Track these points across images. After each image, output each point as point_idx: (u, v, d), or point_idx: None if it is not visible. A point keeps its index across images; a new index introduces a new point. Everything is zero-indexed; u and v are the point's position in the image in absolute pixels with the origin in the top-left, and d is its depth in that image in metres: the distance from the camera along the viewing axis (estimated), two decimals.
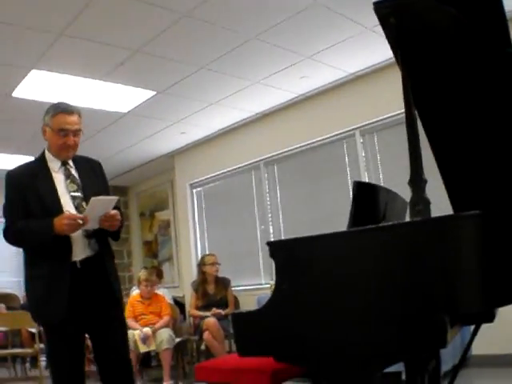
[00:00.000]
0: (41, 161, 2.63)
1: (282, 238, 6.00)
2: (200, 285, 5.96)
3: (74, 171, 2.64)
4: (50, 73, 4.66)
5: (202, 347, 5.79)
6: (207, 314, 5.61)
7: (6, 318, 6.05)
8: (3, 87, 4.87)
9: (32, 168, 2.62)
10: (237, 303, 6.19)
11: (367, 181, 5.22)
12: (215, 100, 5.76)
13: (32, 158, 2.74)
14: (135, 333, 5.32)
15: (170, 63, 4.72)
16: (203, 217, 7.44)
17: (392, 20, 1.90)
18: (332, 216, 5.32)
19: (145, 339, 5.34)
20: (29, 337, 6.08)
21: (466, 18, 1.80)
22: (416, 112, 1.96)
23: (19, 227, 2.48)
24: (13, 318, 5.91)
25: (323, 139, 5.83)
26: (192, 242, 7.45)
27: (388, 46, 2.05)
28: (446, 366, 3.45)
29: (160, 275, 7.19)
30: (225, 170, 7.03)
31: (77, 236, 2.49)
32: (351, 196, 2.24)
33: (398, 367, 2.20)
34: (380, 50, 4.65)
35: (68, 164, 2.64)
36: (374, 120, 5.34)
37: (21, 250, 2.65)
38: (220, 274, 6.03)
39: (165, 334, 5.42)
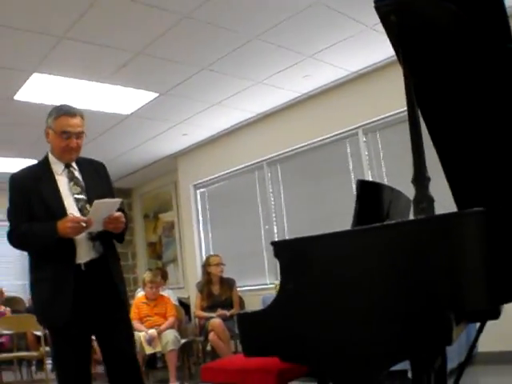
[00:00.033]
0: (44, 163, 2.64)
1: (287, 237, 5.99)
2: (205, 286, 5.95)
3: (77, 173, 2.64)
4: (52, 76, 4.67)
5: (208, 348, 5.78)
6: (212, 314, 5.61)
7: (12, 321, 6.04)
8: (5, 90, 4.88)
9: (35, 171, 2.62)
10: (242, 303, 6.18)
11: (371, 179, 5.21)
12: (217, 101, 5.77)
13: (34, 162, 2.74)
14: (141, 334, 5.32)
15: (171, 65, 4.72)
16: (207, 217, 7.44)
17: (393, 18, 1.90)
18: (336, 215, 5.30)
19: (150, 341, 5.34)
20: (34, 340, 6.07)
21: (466, 14, 1.80)
22: (418, 110, 1.96)
23: (23, 230, 2.48)
24: (18, 321, 5.92)
25: (326, 138, 5.83)
26: (196, 243, 7.47)
27: (389, 44, 2.06)
28: (451, 364, 3.44)
29: (165, 277, 7.17)
30: (228, 171, 7.03)
31: (81, 238, 2.49)
32: (355, 195, 2.24)
33: (404, 365, 2.20)
34: (381, 49, 4.65)
35: (71, 166, 2.64)
36: (377, 118, 5.34)
37: (25, 253, 2.65)
38: (225, 275, 6.02)
39: (170, 336, 5.42)
